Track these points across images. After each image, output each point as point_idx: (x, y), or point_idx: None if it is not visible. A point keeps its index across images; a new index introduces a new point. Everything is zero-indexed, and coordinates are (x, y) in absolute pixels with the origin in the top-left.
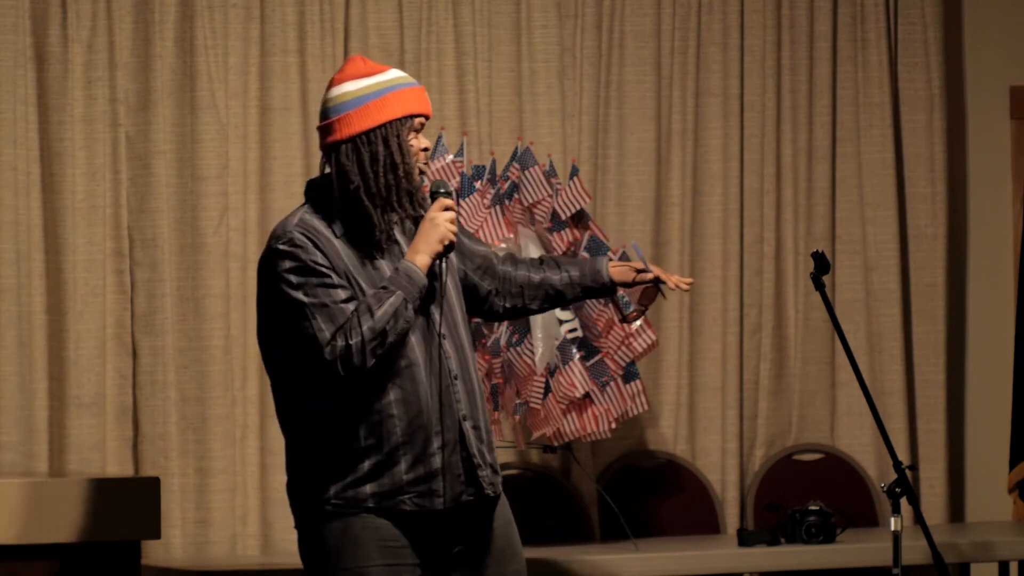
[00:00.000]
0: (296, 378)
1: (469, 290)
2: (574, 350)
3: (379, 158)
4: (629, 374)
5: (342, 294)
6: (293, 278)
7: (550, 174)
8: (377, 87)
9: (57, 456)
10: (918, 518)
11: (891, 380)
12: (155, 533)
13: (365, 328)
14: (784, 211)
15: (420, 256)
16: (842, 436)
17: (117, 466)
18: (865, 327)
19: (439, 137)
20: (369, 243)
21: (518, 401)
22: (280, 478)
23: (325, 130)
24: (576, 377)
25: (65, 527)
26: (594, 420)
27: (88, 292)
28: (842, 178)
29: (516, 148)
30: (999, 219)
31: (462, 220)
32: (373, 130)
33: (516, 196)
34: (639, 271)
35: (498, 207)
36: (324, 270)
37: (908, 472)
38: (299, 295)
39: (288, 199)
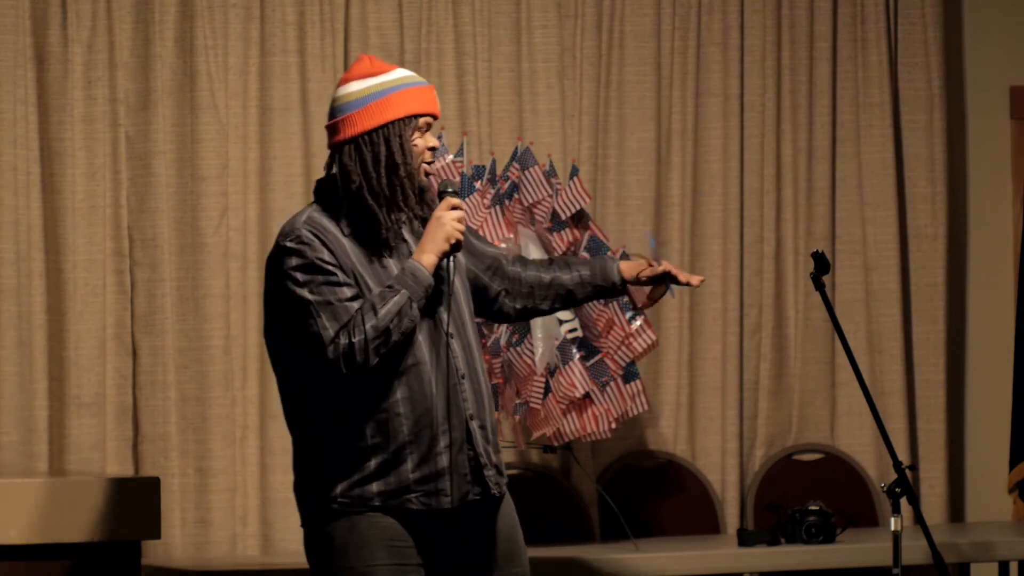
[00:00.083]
0: (302, 376)
1: (479, 291)
2: (574, 350)
3: (380, 158)
4: (629, 374)
5: (347, 292)
6: (299, 276)
7: (550, 174)
8: (381, 87)
9: (57, 456)
10: (918, 518)
11: (891, 380)
12: (155, 533)
13: (368, 326)
14: (784, 211)
15: (426, 255)
16: (842, 436)
17: (117, 466)
18: (865, 327)
19: (439, 137)
20: (376, 242)
21: (518, 401)
22: (280, 478)
23: (331, 130)
24: (576, 377)
25: (65, 527)
26: (594, 420)
27: (88, 292)
28: (842, 178)
29: (516, 148)
30: (999, 219)
31: None
32: (375, 130)
33: (516, 196)
34: (649, 265)
35: (498, 207)
36: (330, 268)
37: (908, 472)
38: (304, 293)
39: (288, 199)
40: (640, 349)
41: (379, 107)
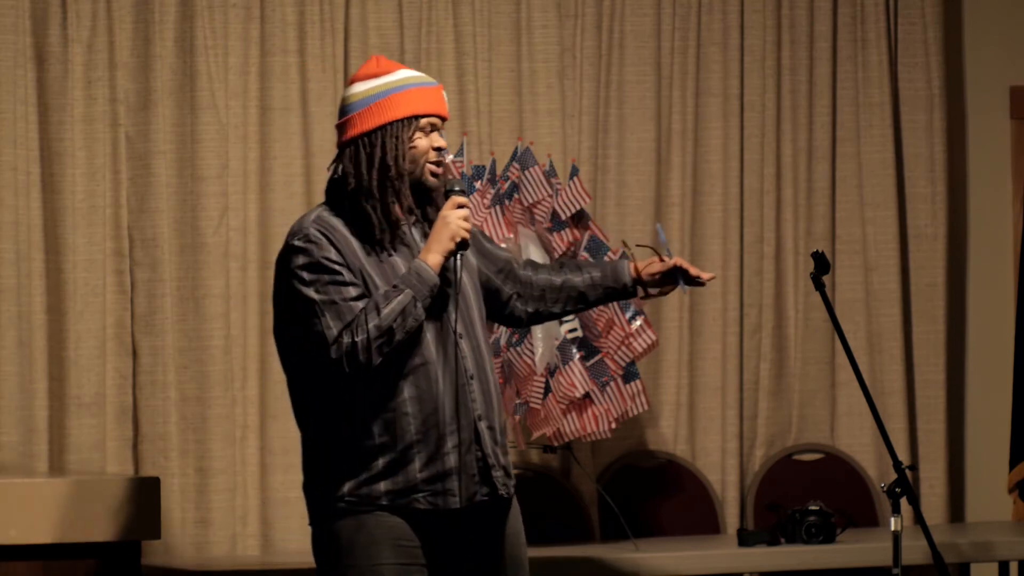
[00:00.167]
0: (310, 375)
1: (491, 294)
2: (574, 350)
3: (374, 159)
4: (629, 374)
5: (352, 292)
6: (305, 275)
7: (550, 174)
8: (383, 87)
9: (57, 456)
10: (918, 518)
11: (891, 380)
12: (155, 533)
13: (371, 326)
14: (784, 211)
15: (432, 255)
16: (842, 436)
17: (117, 466)
18: (865, 327)
19: None
20: (384, 242)
21: (518, 401)
22: (280, 478)
23: (339, 130)
24: (576, 377)
25: (65, 527)
26: (594, 420)
27: (88, 292)
28: (842, 178)
29: (516, 148)
30: (999, 219)
31: None
32: (374, 131)
33: (516, 196)
34: (660, 260)
35: (498, 207)
36: (336, 267)
37: (908, 472)
38: (310, 292)
39: (288, 199)
40: (640, 349)
41: (379, 108)
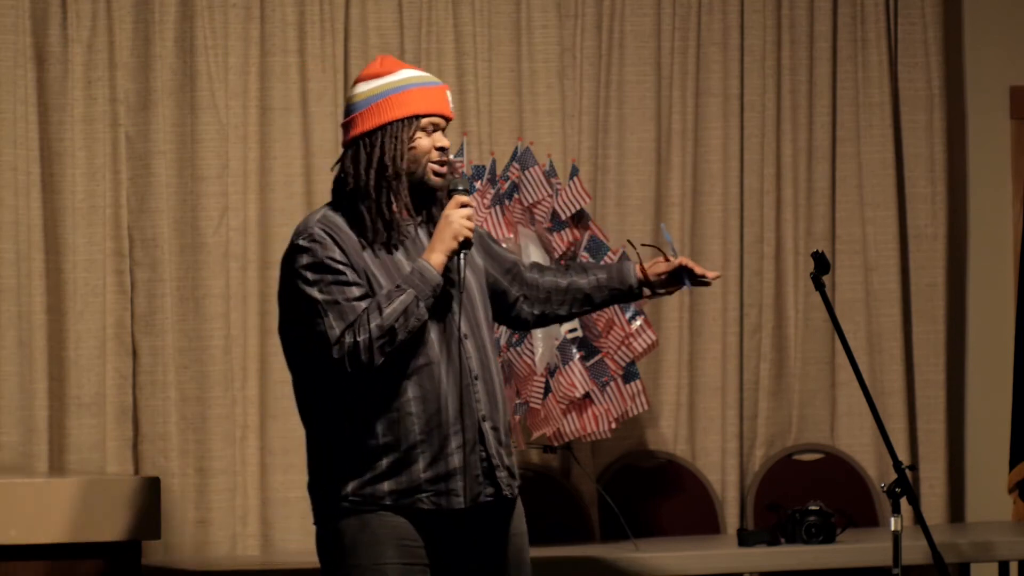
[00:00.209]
0: (314, 375)
1: (498, 296)
2: (574, 350)
3: (372, 160)
4: (629, 374)
5: (356, 292)
6: (309, 274)
7: (550, 174)
8: (384, 88)
9: (57, 456)
10: (918, 518)
11: (891, 380)
12: (155, 533)
13: (373, 326)
14: (784, 211)
15: (435, 255)
16: (842, 436)
17: (117, 466)
18: (865, 327)
19: None
20: (389, 242)
21: (518, 401)
22: (280, 478)
23: (343, 131)
24: (576, 377)
25: (65, 527)
26: (594, 420)
27: (88, 292)
28: (842, 178)
29: (516, 148)
30: (999, 219)
31: None
32: (374, 131)
33: (516, 196)
34: (665, 259)
35: (498, 207)
36: (340, 267)
37: (908, 472)
38: (314, 292)
39: (288, 199)
40: (640, 349)
41: (379, 108)
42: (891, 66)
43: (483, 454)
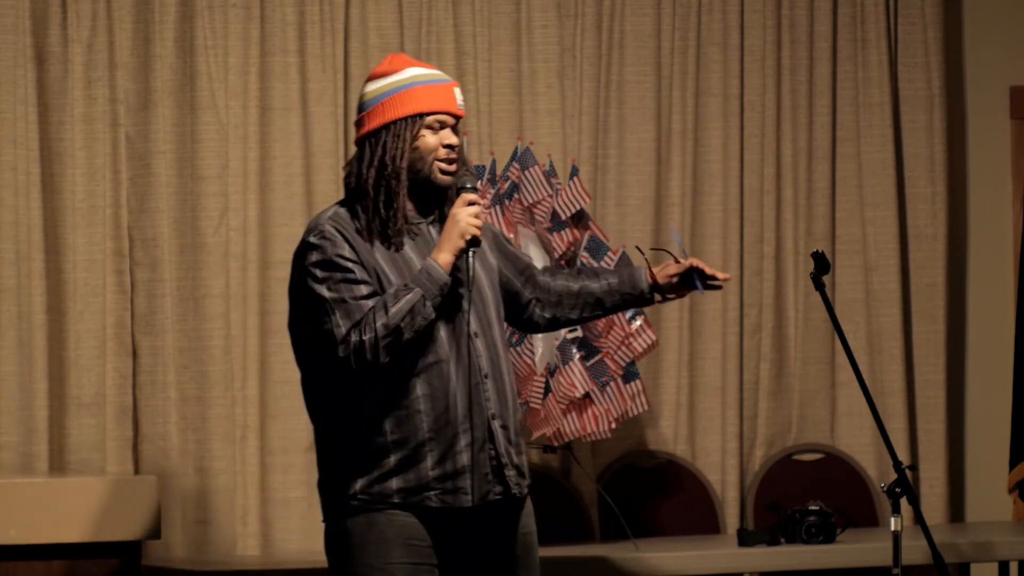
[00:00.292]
0: (322, 372)
1: (511, 297)
2: (574, 350)
3: (374, 159)
4: (629, 374)
5: (364, 290)
6: (318, 272)
7: (550, 174)
8: (390, 87)
9: (57, 456)
10: (918, 518)
11: (891, 380)
12: (155, 533)
13: (379, 324)
14: (784, 211)
15: (443, 253)
16: (842, 436)
17: (117, 466)
18: (865, 327)
19: None
20: (400, 240)
21: (518, 401)
22: (280, 478)
23: (356, 130)
24: (576, 377)
25: (65, 527)
26: (594, 420)
27: (88, 292)
28: (842, 178)
29: (516, 148)
30: (999, 219)
31: None
32: (379, 130)
33: (516, 196)
34: (676, 262)
35: (498, 207)
36: (349, 265)
37: (908, 472)
38: (322, 290)
39: (288, 199)
40: (640, 349)
41: (384, 107)
42: (891, 66)
43: (492, 452)
